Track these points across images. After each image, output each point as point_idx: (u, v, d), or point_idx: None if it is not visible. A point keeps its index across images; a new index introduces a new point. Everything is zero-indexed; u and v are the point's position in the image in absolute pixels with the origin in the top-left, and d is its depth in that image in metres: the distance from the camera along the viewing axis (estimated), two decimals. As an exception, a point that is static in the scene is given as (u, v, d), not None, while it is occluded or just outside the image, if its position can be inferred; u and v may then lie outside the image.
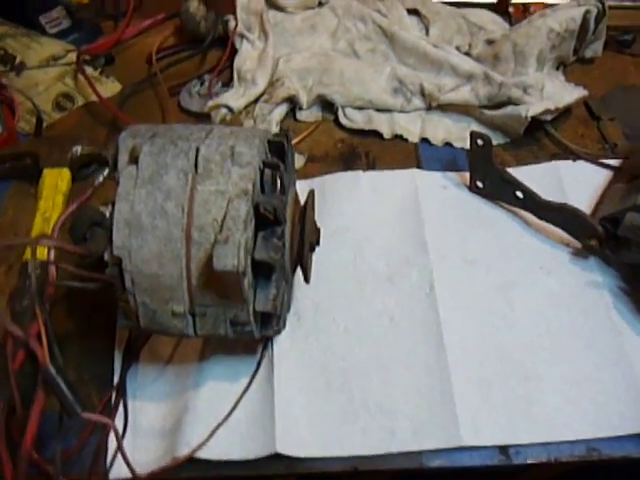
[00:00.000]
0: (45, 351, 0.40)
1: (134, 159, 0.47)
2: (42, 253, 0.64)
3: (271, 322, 0.52)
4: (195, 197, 0.46)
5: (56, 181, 0.71)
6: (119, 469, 0.53)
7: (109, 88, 0.85)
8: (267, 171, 0.50)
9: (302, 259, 0.53)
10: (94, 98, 0.83)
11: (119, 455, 0.52)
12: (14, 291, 0.62)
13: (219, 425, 0.54)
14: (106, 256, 0.46)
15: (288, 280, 0.55)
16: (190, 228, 0.45)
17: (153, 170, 0.46)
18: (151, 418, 0.57)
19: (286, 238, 0.50)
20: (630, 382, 0.57)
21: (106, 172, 0.51)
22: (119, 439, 0.47)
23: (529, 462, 0.54)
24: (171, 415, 0.57)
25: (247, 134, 0.50)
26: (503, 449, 0.55)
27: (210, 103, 0.73)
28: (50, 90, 0.83)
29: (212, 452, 0.53)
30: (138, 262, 0.46)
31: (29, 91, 0.82)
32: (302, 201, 0.57)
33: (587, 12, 0.77)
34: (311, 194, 0.54)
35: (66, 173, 0.72)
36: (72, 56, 0.85)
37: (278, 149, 0.51)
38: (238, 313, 0.48)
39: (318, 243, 0.55)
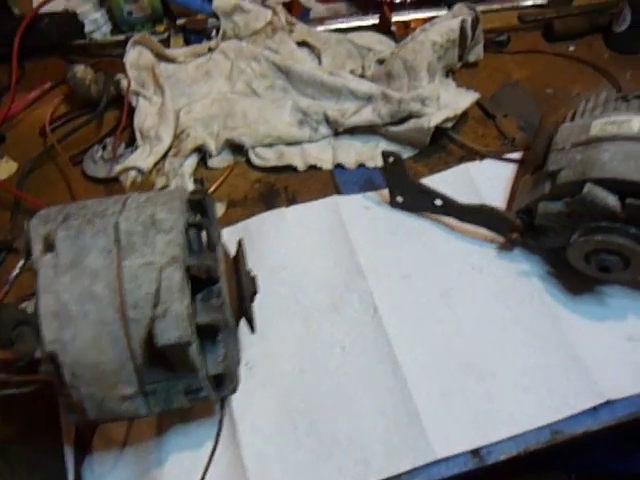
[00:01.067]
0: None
1: (50, 246, 0.45)
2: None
3: (225, 382, 0.51)
4: (123, 274, 0.44)
5: (-37, 277, 0.66)
6: None
7: (4, 169, 0.80)
8: (192, 231, 0.49)
9: (244, 311, 0.52)
10: (-10, 182, 0.79)
11: None
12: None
13: (191, 500, 0.52)
14: (38, 354, 0.43)
15: (234, 335, 0.53)
16: (124, 307, 0.43)
17: (73, 254, 0.44)
18: (116, 510, 0.54)
19: (224, 294, 0.49)
20: (575, 359, 0.60)
21: (20, 264, 0.48)
22: None
23: (502, 459, 0.56)
24: (138, 501, 0.54)
25: (165, 198, 0.49)
26: (475, 452, 0.56)
27: (118, 168, 0.71)
28: (-61, 182, 0.78)
29: (188, 530, 0.51)
30: (75, 353, 0.43)
31: None
32: (231, 250, 0.56)
33: (463, 21, 0.82)
34: (240, 244, 0.54)
35: (-28, 267, 0.67)
36: (-43, 142, 0.80)
37: (198, 206, 0.50)
38: (190, 382, 0.46)
39: (256, 292, 0.54)
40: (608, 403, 0.57)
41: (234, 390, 0.52)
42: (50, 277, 0.44)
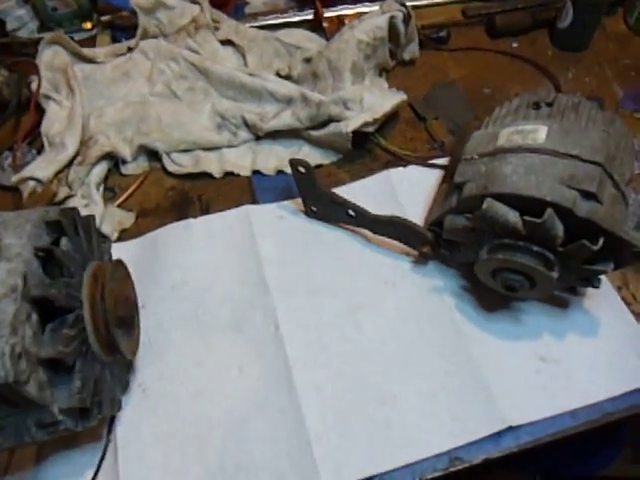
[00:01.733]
0: None
1: None
2: None
3: (90, 412, 0.48)
4: (-43, 306, 0.41)
5: None
6: None
7: None
8: (53, 253, 0.46)
9: (111, 338, 0.49)
10: None
11: None
12: None
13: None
14: None
15: (109, 361, 0.50)
16: (-44, 342, 0.40)
17: None
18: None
19: (86, 321, 0.47)
20: (479, 383, 0.57)
21: None
22: None
23: (395, 489, 0.53)
24: (10, 535, 0.52)
25: (19, 221, 0.46)
26: (367, 482, 0.53)
27: (14, 178, 0.67)
28: None
29: None
30: None
31: None
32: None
33: (392, 18, 0.78)
34: (115, 264, 0.51)
35: None
36: None
37: (58, 228, 0.47)
38: (41, 416, 0.44)
39: (131, 315, 0.51)
40: (511, 429, 0.55)
41: (100, 419, 0.49)
42: None
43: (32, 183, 0.67)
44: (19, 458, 0.55)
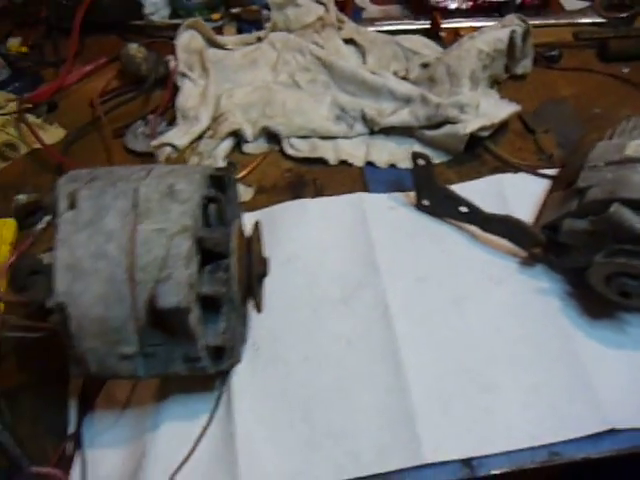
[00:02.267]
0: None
1: (72, 204, 0.47)
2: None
3: (224, 356, 0.52)
4: (136, 237, 0.46)
5: (0, 231, 0.70)
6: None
7: (53, 134, 0.85)
8: (211, 206, 0.50)
9: (251, 290, 0.53)
10: (38, 145, 0.83)
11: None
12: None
13: (178, 469, 0.53)
14: (48, 303, 0.46)
15: (240, 312, 0.55)
16: (133, 269, 0.45)
17: (93, 213, 0.46)
18: (109, 466, 0.56)
19: (233, 270, 0.51)
20: (584, 383, 0.58)
21: (46, 219, 0.51)
22: None
23: (493, 473, 0.55)
24: (130, 460, 0.56)
25: (187, 171, 0.50)
26: (466, 462, 0.55)
27: (154, 142, 0.73)
28: (-8, 140, 0.83)
29: (172, 497, 0.52)
30: (83, 307, 0.45)
31: (-30, 143, 0.81)
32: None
33: (513, 32, 0.81)
34: (256, 225, 0.55)
35: (11, 223, 0.71)
36: (13, 105, 0.85)
37: (219, 183, 0.52)
38: (189, 350, 0.48)
39: (266, 274, 0.55)
40: (611, 432, 0.56)
41: (232, 365, 0.53)
42: (68, 232, 0.46)
43: (168, 149, 0.73)
44: (139, 395, 0.60)
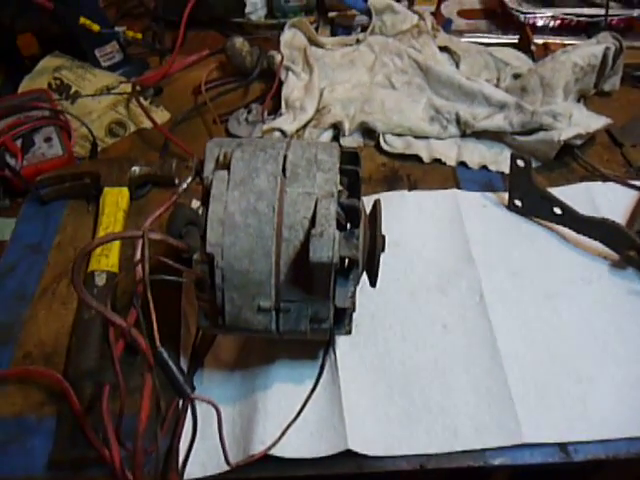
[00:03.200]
0: (156, 334, 0.42)
1: (225, 165, 0.51)
2: (107, 263, 0.68)
3: (344, 321, 0.55)
4: (284, 198, 0.49)
5: (116, 199, 0.75)
6: (192, 469, 0.55)
7: (158, 116, 0.90)
8: (343, 178, 0.54)
9: (372, 263, 0.56)
10: (145, 125, 0.88)
11: (191, 455, 0.54)
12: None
13: (291, 423, 0.56)
14: (196, 255, 0.49)
15: (358, 282, 0.58)
16: (281, 226, 0.49)
17: (245, 174, 0.50)
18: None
19: (360, 241, 0.54)
20: (678, 381, 0.60)
21: (189, 180, 0.55)
22: (220, 422, 0.49)
23: (588, 459, 0.57)
24: (240, 417, 0.59)
25: (325, 145, 0.54)
26: (562, 446, 0.57)
27: (265, 126, 0.78)
28: (103, 118, 0.88)
29: (285, 450, 0.55)
30: (230, 259, 0.49)
31: (83, 118, 0.86)
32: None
33: (607, 49, 0.84)
34: (378, 203, 0.58)
35: (125, 192, 0.76)
36: (124, 87, 0.90)
37: (352, 158, 0.55)
38: (319, 308, 0.51)
39: (384, 249, 0.58)
40: None
41: (349, 332, 0.56)
42: (222, 189, 0.50)
43: (277, 134, 0.77)
44: (245, 359, 0.63)
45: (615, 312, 0.66)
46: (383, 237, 0.58)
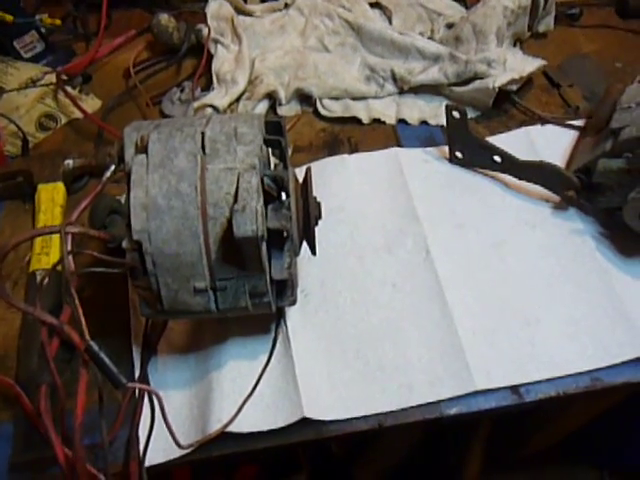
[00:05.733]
0: (85, 329, 0.42)
1: (142, 148, 0.50)
2: (48, 262, 0.67)
3: (286, 292, 0.55)
4: (206, 176, 0.48)
5: (52, 195, 0.73)
6: (153, 455, 0.55)
7: (89, 105, 0.87)
8: (268, 152, 0.53)
9: (308, 231, 0.56)
10: (76, 115, 0.85)
11: (151, 442, 0.54)
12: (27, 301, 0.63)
13: (246, 399, 0.56)
14: (125, 242, 0.48)
15: (296, 253, 0.57)
16: (205, 205, 0.48)
17: (163, 155, 0.49)
18: (177, 405, 0.59)
19: (292, 211, 0.53)
20: (622, 313, 0.61)
21: (112, 168, 0.53)
22: (163, 407, 0.49)
23: (540, 398, 0.58)
24: (196, 398, 0.59)
25: (246, 117, 0.53)
26: (514, 389, 0.58)
27: (196, 104, 0.76)
28: (32, 112, 0.85)
29: (242, 426, 0.55)
30: (158, 243, 0.48)
31: (11, 114, 0.83)
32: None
33: (536, -11, 0.84)
34: (309, 170, 0.57)
35: (60, 187, 0.74)
36: (50, 77, 0.87)
37: (276, 128, 0.54)
38: (256, 283, 0.51)
39: (320, 216, 0.57)
40: (650, 357, 0.59)
41: (293, 302, 0.56)
42: (141, 174, 0.49)
43: (209, 110, 0.75)
44: (198, 340, 0.63)
45: (559, 253, 0.67)
46: (318, 204, 0.58)
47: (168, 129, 0.51)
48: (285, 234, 0.51)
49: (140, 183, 0.48)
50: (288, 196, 0.52)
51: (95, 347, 0.41)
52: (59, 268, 0.51)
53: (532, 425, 1.11)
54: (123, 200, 0.49)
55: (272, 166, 0.57)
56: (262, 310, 0.54)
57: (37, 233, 0.57)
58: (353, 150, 0.79)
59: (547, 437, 1.14)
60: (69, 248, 0.44)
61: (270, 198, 0.51)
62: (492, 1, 0.83)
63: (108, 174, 0.52)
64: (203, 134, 0.50)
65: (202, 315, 0.52)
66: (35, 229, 0.63)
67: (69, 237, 0.45)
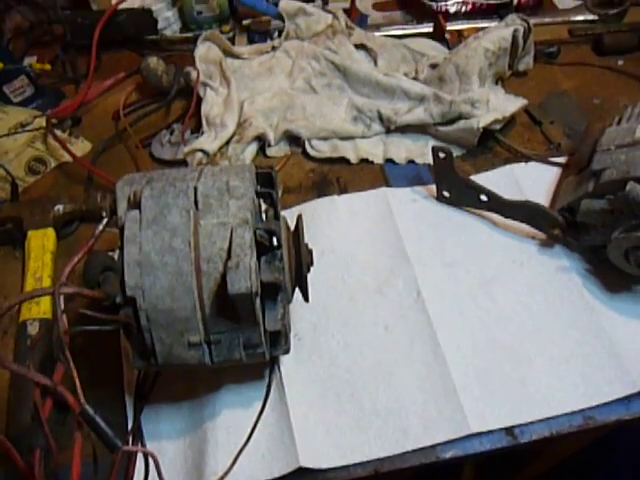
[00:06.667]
0: (80, 391, 0.42)
1: (135, 204, 0.50)
2: (38, 311, 0.66)
3: (280, 341, 0.55)
4: (199, 231, 0.49)
5: (42, 241, 0.73)
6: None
7: (79, 148, 0.87)
8: (259, 201, 0.54)
9: (301, 279, 0.56)
10: (66, 159, 0.86)
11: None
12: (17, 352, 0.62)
13: (241, 449, 0.56)
14: (118, 298, 0.49)
15: (289, 300, 0.58)
16: (198, 261, 0.48)
17: (156, 211, 0.49)
18: (171, 456, 0.58)
19: (284, 261, 0.54)
20: (610, 351, 0.62)
21: (104, 222, 0.54)
22: (158, 466, 0.48)
23: (534, 439, 0.59)
24: (191, 449, 0.58)
25: (237, 169, 0.54)
26: (509, 430, 0.59)
27: (186, 149, 0.77)
28: (21, 156, 0.85)
29: (238, 478, 0.55)
30: (152, 299, 0.48)
31: (0, 159, 0.83)
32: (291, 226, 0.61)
33: (515, 31, 0.86)
34: (300, 218, 0.58)
35: (51, 232, 0.74)
36: (39, 121, 0.87)
37: (267, 179, 0.55)
38: (250, 335, 0.51)
39: (312, 263, 0.58)
40: (640, 394, 0.60)
41: (287, 351, 0.56)
42: (135, 230, 0.49)
43: (199, 155, 0.76)
44: (193, 388, 0.63)
45: (547, 291, 0.68)
46: (309, 251, 0.59)
47: (161, 184, 0.51)
48: (278, 285, 0.51)
49: (133, 239, 0.49)
50: (280, 247, 0.52)
51: (90, 411, 0.41)
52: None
53: (525, 455, 1.11)
54: (116, 256, 0.49)
55: (264, 214, 0.57)
56: (256, 360, 0.55)
57: (30, 296, 0.56)
58: (342, 190, 0.80)
59: (540, 465, 1.14)
60: (62, 308, 0.44)
61: (263, 249, 0.52)
62: (473, 43, 0.85)
63: (101, 228, 0.53)
64: (195, 189, 0.50)
65: (196, 367, 0.52)
66: (28, 292, 0.63)
67: (62, 297, 0.45)
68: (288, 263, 0.55)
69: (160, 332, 0.49)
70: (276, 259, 0.52)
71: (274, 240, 0.51)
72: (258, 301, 0.49)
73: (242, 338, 0.51)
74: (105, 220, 0.53)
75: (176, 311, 0.49)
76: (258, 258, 0.51)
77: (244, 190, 0.51)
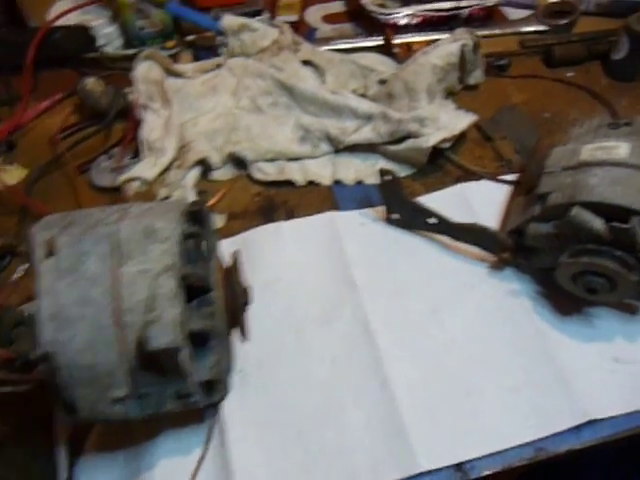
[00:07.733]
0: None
1: (51, 251, 0.47)
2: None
3: (215, 388, 0.52)
4: (120, 280, 0.46)
5: (-30, 279, 0.68)
6: None
7: (14, 175, 0.83)
8: (190, 241, 0.51)
9: (236, 320, 0.54)
10: (-1, 187, 0.81)
11: None
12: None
13: (179, 503, 0.53)
14: (33, 355, 0.45)
15: (226, 343, 0.55)
16: (119, 312, 0.45)
17: (73, 260, 0.46)
18: (107, 510, 0.55)
19: (217, 303, 0.51)
20: (560, 379, 0.61)
21: (24, 267, 0.50)
22: None
23: (485, 474, 0.57)
24: (128, 502, 0.55)
25: (164, 209, 0.51)
26: (459, 467, 0.57)
27: (122, 177, 0.73)
28: (-51, 186, 0.81)
29: (176, 533, 0.52)
30: (71, 354, 0.45)
31: None
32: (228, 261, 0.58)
33: (464, 45, 0.85)
34: (234, 255, 0.56)
35: (-20, 269, 0.70)
36: (-30, 148, 0.83)
37: (196, 217, 0.52)
38: (180, 387, 0.48)
39: (248, 302, 0.55)
40: (591, 422, 0.58)
41: (223, 398, 0.54)
42: (50, 281, 0.46)
43: (137, 183, 0.73)
44: (130, 435, 0.59)
45: (496, 316, 0.66)
46: (245, 290, 0.56)
47: (80, 228, 0.48)
48: (209, 332, 0.49)
49: (48, 291, 0.45)
50: (210, 290, 0.50)
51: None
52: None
53: None
54: (28, 310, 0.46)
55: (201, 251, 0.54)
56: (191, 407, 0.52)
57: None
58: (289, 215, 0.77)
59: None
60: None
61: (193, 293, 0.49)
62: (421, 58, 0.83)
63: (15, 278, 0.49)
64: (117, 233, 0.47)
65: (123, 422, 0.49)
66: None
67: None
68: (223, 304, 0.52)
69: (82, 389, 0.46)
70: (205, 304, 0.49)
71: (201, 286, 0.48)
72: (187, 351, 0.46)
73: (172, 390, 0.48)
74: (25, 266, 0.49)
75: (98, 366, 0.46)
76: (188, 303, 0.48)
77: (169, 232, 0.48)
